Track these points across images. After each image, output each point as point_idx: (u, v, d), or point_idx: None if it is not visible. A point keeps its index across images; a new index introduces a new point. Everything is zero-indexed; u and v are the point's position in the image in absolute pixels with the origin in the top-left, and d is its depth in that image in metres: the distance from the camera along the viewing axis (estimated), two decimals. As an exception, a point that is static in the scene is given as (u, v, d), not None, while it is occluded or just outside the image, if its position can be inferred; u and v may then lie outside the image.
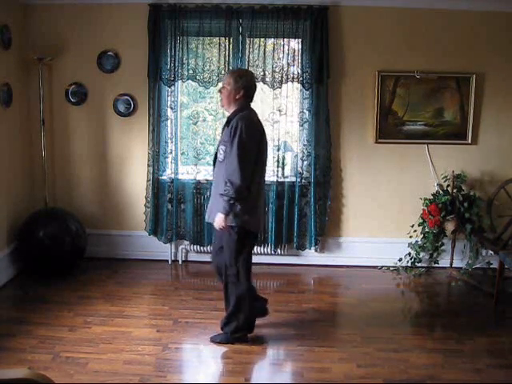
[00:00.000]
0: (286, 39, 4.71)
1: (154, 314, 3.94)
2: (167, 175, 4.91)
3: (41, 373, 1.55)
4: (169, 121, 4.84)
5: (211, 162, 3.74)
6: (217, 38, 4.75)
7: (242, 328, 3.44)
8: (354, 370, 3.18)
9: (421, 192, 4.88)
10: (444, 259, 4.94)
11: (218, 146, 3.42)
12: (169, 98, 4.81)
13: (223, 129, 3.45)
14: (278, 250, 4.99)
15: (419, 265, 4.90)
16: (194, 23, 4.70)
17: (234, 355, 3.33)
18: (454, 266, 4.91)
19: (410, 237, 4.85)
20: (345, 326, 3.96)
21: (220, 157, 3.35)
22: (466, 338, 3.59)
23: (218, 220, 3.26)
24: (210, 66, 4.77)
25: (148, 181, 4.92)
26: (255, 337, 3.52)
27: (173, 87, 4.79)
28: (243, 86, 3.30)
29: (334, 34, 4.74)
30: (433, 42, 4.78)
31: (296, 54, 4.75)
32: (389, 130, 4.90)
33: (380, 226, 5.04)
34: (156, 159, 4.87)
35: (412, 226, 4.82)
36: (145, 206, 4.98)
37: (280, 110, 4.80)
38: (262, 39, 4.72)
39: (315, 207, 4.88)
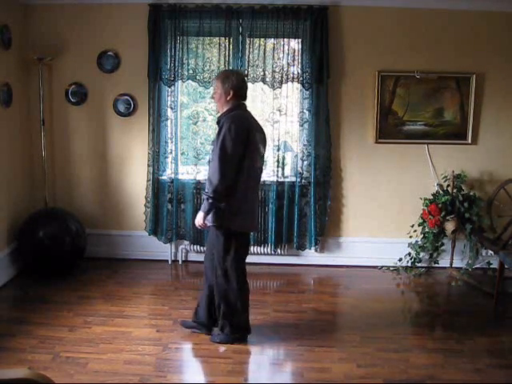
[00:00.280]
0: (285, 39, 4.72)
1: (154, 314, 3.94)
2: (167, 175, 4.91)
3: (41, 373, 1.55)
4: (169, 121, 4.84)
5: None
6: (217, 38, 4.76)
7: (237, 327, 3.44)
8: (354, 370, 3.18)
9: (421, 192, 4.88)
10: (444, 259, 4.94)
11: None
12: (169, 98, 4.81)
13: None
14: (278, 250, 4.99)
15: (419, 265, 4.90)
16: (194, 23, 4.70)
17: (233, 355, 3.33)
18: (454, 265, 4.91)
19: (410, 237, 4.85)
20: (345, 325, 3.96)
21: (210, 157, 3.38)
22: (466, 338, 3.59)
23: (198, 218, 3.33)
24: (209, 65, 4.77)
25: (148, 181, 4.92)
26: (255, 337, 3.52)
27: (173, 87, 4.79)
28: (231, 86, 3.31)
29: (333, 34, 4.74)
30: (433, 42, 4.78)
31: (296, 54, 4.75)
32: (389, 130, 4.90)
33: (380, 225, 5.04)
34: (156, 159, 4.87)
35: (412, 226, 4.82)
36: (145, 206, 4.98)
37: (280, 110, 4.80)
38: (262, 39, 4.72)
39: (315, 207, 4.88)
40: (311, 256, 5.07)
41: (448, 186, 4.82)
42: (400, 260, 4.93)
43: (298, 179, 4.87)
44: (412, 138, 4.91)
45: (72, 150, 5.02)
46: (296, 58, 4.75)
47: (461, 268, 4.83)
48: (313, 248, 4.99)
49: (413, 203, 4.89)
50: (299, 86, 4.78)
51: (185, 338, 3.56)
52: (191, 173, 4.91)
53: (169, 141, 4.86)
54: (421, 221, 4.79)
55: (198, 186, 4.88)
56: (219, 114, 3.42)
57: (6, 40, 4.45)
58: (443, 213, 4.65)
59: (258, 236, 4.95)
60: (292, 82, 4.78)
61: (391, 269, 4.95)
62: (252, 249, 4.94)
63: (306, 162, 4.86)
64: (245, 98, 3.44)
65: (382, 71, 4.80)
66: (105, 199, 5.09)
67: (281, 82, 4.75)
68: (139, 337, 3.54)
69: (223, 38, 4.70)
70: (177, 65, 4.74)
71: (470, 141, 4.90)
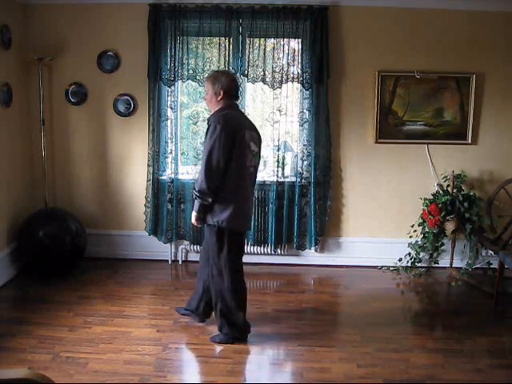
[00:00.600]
0: (285, 39, 4.71)
1: (154, 314, 3.94)
2: (167, 175, 4.91)
3: (41, 373, 1.55)
4: (169, 121, 4.84)
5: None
6: (217, 38, 4.75)
7: (234, 326, 3.44)
8: (354, 370, 3.18)
9: (421, 192, 4.88)
10: (444, 259, 4.94)
11: None
12: (169, 98, 4.81)
13: None
14: (278, 250, 4.99)
15: (419, 265, 4.90)
16: (194, 23, 4.70)
17: (233, 355, 3.33)
18: (454, 265, 4.91)
19: (410, 237, 4.85)
20: (345, 325, 3.95)
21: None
22: (466, 338, 3.59)
23: (192, 217, 3.40)
24: (209, 65, 4.77)
25: (148, 181, 4.92)
26: (255, 337, 3.52)
27: (173, 87, 4.79)
28: (221, 87, 3.33)
29: (333, 34, 4.74)
30: (433, 42, 4.78)
31: (296, 54, 4.75)
32: (389, 130, 4.90)
33: (380, 225, 5.04)
34: (156, 159, 4.87)
35: (412, 226, 4.82)
36: (145, 206, 4.98)
37: (280, 110, 4.80)
38: (262, 39, 4.72)
39: (315, 207, 4.88)
40: (311, 256, 5.07)
41: (448, 185, 4.82)
42: (400, 260, 4.93)
43: (298, 179, 4.87)
44: (412, 138, 4.91)
45: (72, 150, 5.02)
46: (296, 58, 4.75)
47: (461, 268, 4.83)
48: (313, 248, 4.99)
49: (413, 203, 4.89)
50: (299, 86, 4.78)
51: (185, 338, 3.56)
52: (191, 173, 4.91)
53: (169, 141, 4.86)
54: (421, 221, 4.79)
55: (198, 186, 4.88)
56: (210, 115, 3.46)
57: (5, 40, 4.45)
58: (443, 213, 4.65)
59: (258, 236, 4.95)
60: (292, 81, 4.78)
61: (391, 269, 4.95)
62: (252, 249, 4.95)
63: (305, 162, 4.86)
64: (236, 97, 3.45)
65: (382, 71, 4.80)
66: (105, 199, 5.09)
67: (281, 82, 4.74)
68: (139, 337, 3.54)
69: (223, 38, 4.70)
70: (177, 65, 4.74)
71: (470, 141, 4.90)
